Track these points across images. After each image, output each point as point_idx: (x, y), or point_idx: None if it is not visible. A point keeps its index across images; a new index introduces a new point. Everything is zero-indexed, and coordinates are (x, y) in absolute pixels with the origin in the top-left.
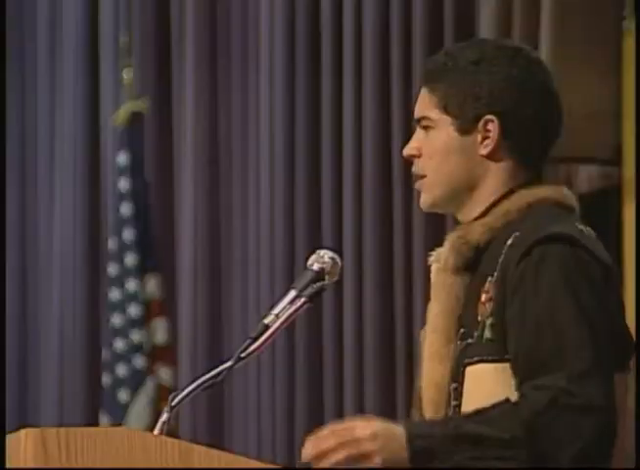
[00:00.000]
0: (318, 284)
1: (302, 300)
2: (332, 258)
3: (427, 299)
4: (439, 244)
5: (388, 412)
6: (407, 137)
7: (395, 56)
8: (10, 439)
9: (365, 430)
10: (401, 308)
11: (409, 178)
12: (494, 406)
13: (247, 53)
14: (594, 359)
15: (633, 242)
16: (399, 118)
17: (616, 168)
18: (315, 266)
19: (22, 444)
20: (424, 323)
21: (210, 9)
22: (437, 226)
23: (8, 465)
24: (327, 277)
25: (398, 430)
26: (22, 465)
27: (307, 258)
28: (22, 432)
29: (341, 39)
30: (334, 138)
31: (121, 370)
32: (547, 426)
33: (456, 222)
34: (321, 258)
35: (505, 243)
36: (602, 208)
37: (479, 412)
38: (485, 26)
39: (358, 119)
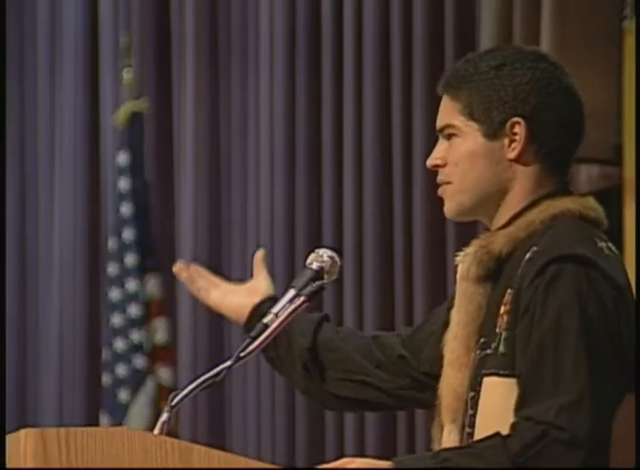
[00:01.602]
0: (317, 283)
1: (302, 298)
2: (331, 257)
3: (427, 299)
4: (439, 244)
5: (387, 412)
6: (407, 137)
7: (395, 56)
8: (10, 439)
9: (351, 465)
10: (401, 308)
11: (409, 178)
12: (484, 440)
13: (247, 53)
14: (588, 387)
15: (634, 242)
16: (399, 118)
17: (616, 168)
18: (314, 265)
19: (21, 444)
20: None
21: (210, 9)
22: (438, 226)
23: (8, 465)
24: (326, 276)
25: (385, 464)
26: (22, 465)
27: (307, 258)
28: (22, 432)
29: (341, 39)
30: (334, 138)
31: (121, 370)
32: (534, 459)
33: (456, 224)
34: (320, 257)
35: (525, 256)
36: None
37: (469, 446)
38: (486, 27)
39: (358, 119)
